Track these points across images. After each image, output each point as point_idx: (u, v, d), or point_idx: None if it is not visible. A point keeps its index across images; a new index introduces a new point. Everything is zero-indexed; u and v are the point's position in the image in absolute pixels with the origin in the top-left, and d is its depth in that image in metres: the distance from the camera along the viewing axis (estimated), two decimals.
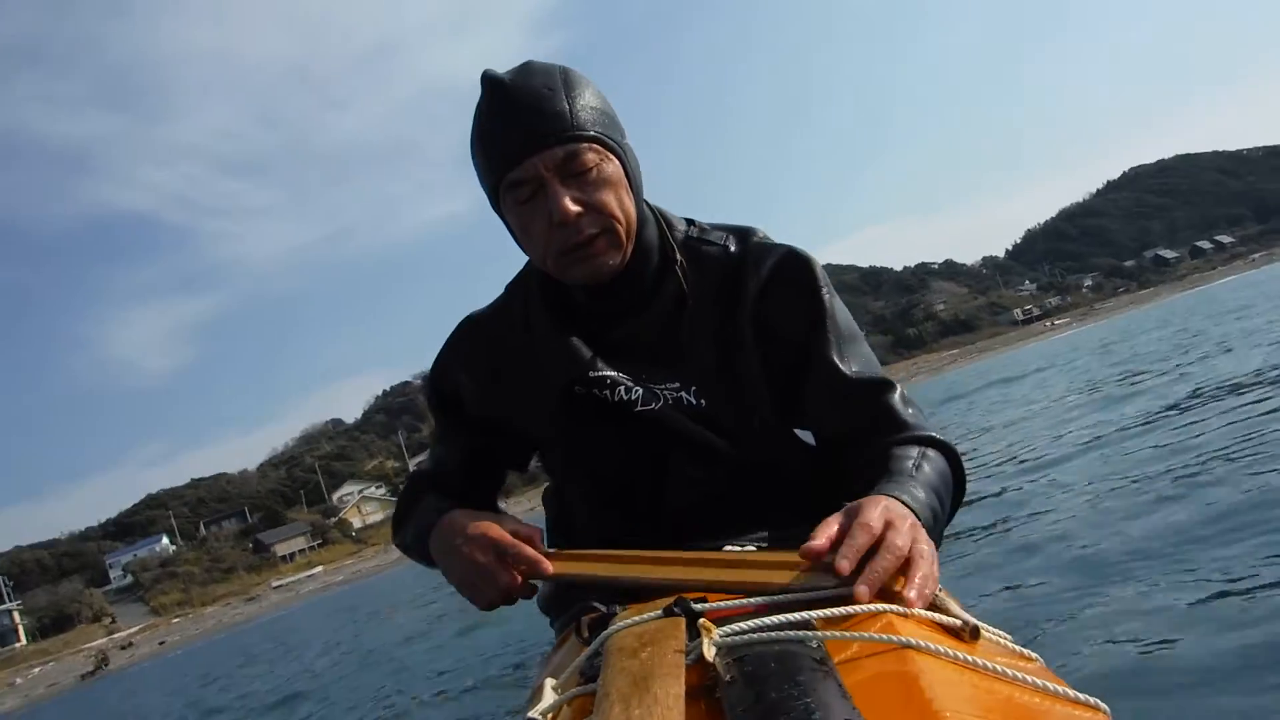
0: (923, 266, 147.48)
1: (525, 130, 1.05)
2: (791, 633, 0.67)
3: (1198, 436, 4.20)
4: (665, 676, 0.62)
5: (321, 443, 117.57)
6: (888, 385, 1.13)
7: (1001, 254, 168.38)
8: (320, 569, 64.56)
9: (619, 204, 1.09)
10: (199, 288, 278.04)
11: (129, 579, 73.08)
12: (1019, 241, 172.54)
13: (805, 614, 0.69)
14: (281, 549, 74.38)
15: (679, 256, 1.18)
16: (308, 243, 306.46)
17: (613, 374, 1.15)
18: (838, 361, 1.13)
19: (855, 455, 1.10)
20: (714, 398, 1.15)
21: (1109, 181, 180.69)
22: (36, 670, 47.70)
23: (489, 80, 1.08)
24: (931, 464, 1.04)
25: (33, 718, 22.09)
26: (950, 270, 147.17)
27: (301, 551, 74.17)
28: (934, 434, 1.09)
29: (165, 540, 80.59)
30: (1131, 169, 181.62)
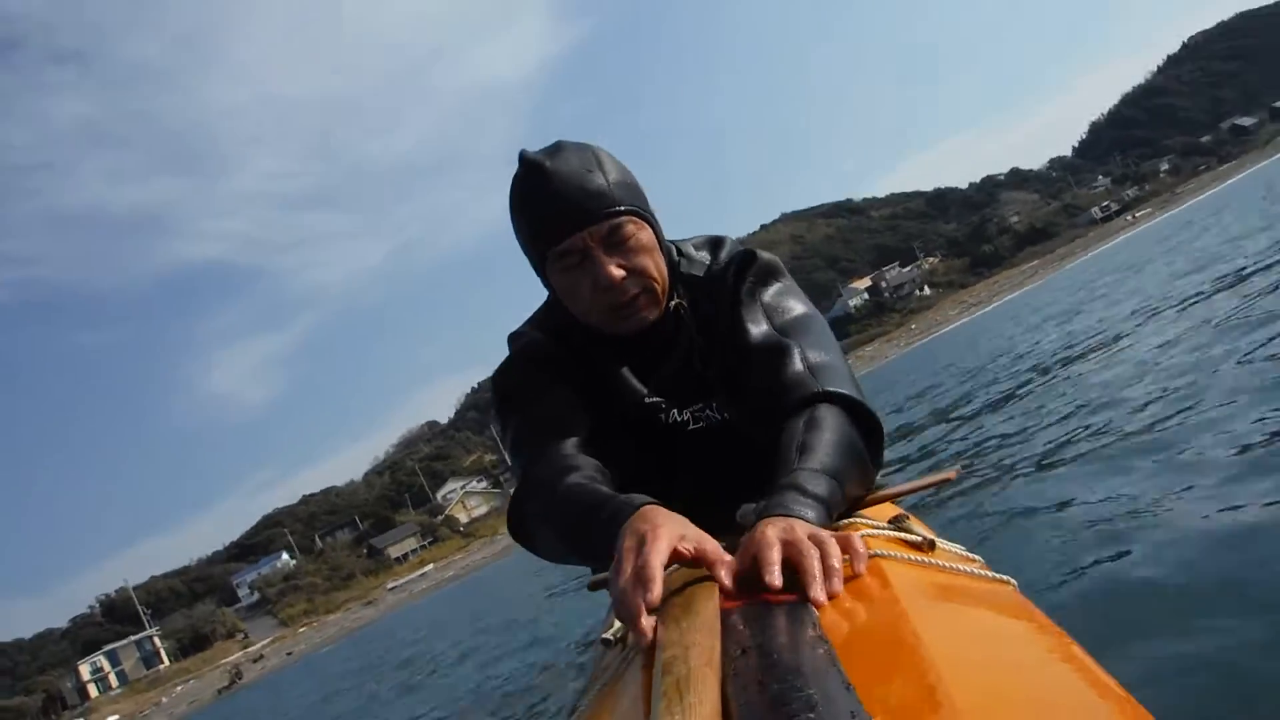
0: (988, 180, 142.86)
1: (573, 208, 1.18)
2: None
3: None
4: (705, 599, 0.76)
5: (420, 445, 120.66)
6: (784, 348, 1.20)
7: (1069, 153, 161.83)
8: (430, 567, 66.74)
9: (655, 266, 1.25)
10: (285, 317, 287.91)
11: (256, 596, 76.98)
12: (1084, 136, 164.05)
13: None
14: (394, 551, 77.20)
15: (681, 300, 1.33)
16: (381, 257, 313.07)
17: (662, 401, 1.31)
18: (749, 334, 1.25)
19: (770, 427, 1.14)
20: (732, 409, 1.31)
21: (1169, 56, 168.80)
22: (179, 689, 50.67)
23: (530, 162, 1.21)
24: (819, 432, 1.06)
25: None
26: (1017, 178, 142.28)
27: (414, 551, 76.83)
28: (819, 389, 1.13)
29: (285, 556, 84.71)
30: (1191, 38, 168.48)
